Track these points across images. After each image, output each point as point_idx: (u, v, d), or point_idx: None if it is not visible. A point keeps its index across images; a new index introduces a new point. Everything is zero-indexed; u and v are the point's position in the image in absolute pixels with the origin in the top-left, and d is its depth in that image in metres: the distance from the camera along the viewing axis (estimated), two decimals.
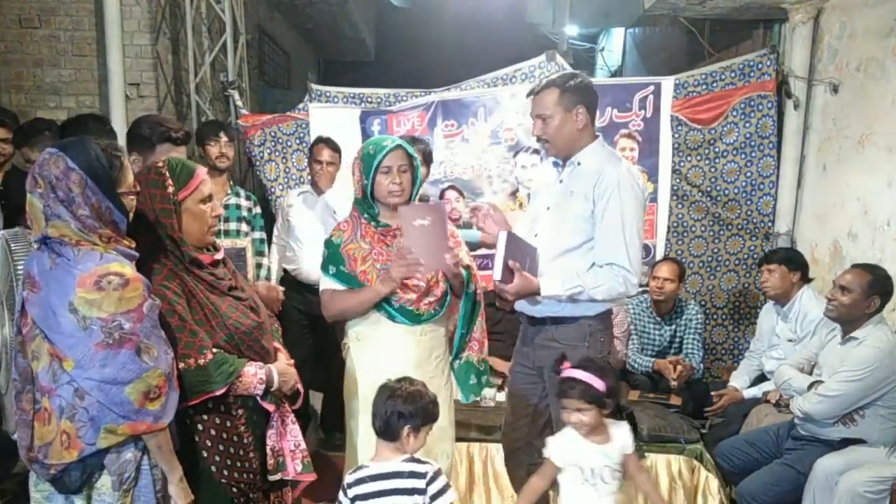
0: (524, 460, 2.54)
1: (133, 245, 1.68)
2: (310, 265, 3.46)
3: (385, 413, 1.89)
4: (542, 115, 2.28)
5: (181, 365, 1.71)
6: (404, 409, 1.88)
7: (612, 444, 2.12)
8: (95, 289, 1.53)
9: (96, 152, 1.62)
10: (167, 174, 1.81)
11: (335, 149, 3.68)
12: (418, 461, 1.91)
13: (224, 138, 3.50)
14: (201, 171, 1.88)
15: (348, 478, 1.92)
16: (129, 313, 1.56)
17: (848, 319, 2.68)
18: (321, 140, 3.71)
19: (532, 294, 2.25)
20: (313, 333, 3.66)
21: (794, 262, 3.32)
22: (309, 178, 3.86)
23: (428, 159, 3.27)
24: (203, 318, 1.80)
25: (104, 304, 1.53)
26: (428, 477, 1.87)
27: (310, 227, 3.62)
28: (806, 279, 3.32)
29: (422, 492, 1.86)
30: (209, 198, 1.88)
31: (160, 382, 1.59)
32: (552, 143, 2.31)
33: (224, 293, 1.88)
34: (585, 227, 2.26)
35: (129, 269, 1.59)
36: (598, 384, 2.06)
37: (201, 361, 1.74)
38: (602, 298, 2.25)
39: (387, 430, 1.90)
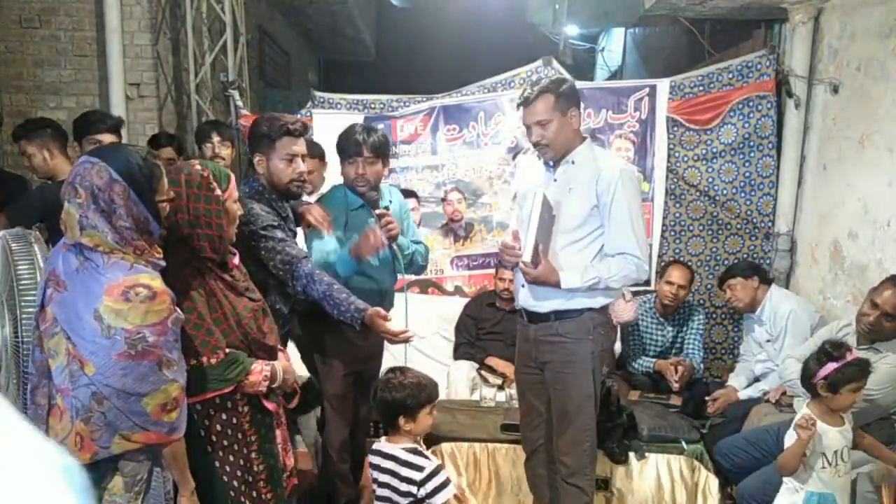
0: (544, 459, 2.56)
1: (161, 254, 1.69)
2: None
3: (378, 407, 1.99)
4: (541, 120, 2.33)
5: (193, 362, 1.73)
6: (392, 399, 1.93)
7: (847, 426, 2.28)
8: (123, 299, 1.52)
9: (138, 162, 1.61)
10: (211, 178, 1.86)
11: (312, 155, 3.48)
12: (421, 454, 1.95)
13: (216, 138, 3.49)
14: (232, 174, 1.96)
15: (374, 444, 2.06)
16: (154, 326, 1.55)
17: (885, 340, 2.62)
18: None
19: (551, 284, 2.30)
20: (305, 333, 3.62)
21: (748, 270, 3.42)
22: None
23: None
24: (221, 317, 1.85)
25: (130, 315, 1.53)
26: (425, 473, 1.94)
27: (298, 229, 3.55)
28: (766, 281, 3.40)
29: (416, 483, 1.93)
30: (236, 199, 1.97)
31: (178, 395, 1.60)
32: (551, 146, 2.36)
33: (240, 294, 1.93)
34: (588, 221, 2.34)
35: (157, 282, 1.59)
36: None
37: (213, 360, 1.78)
38: (618, 286, 2.37)
39: (385, 421, 2.01)
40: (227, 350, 1.82)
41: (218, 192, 1.85)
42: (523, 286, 2.43)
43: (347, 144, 2.59)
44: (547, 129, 2.32)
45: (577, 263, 2.34)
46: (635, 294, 3.87)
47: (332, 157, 3.63)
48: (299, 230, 2.61)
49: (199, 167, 1.87)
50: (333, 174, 3.53)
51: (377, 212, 2.57)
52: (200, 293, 1.81)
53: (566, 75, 3.70)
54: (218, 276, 1.88)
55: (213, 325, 1.81)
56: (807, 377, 2.30)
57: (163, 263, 1.67)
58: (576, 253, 2.35)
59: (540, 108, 2.31)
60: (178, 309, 1.64)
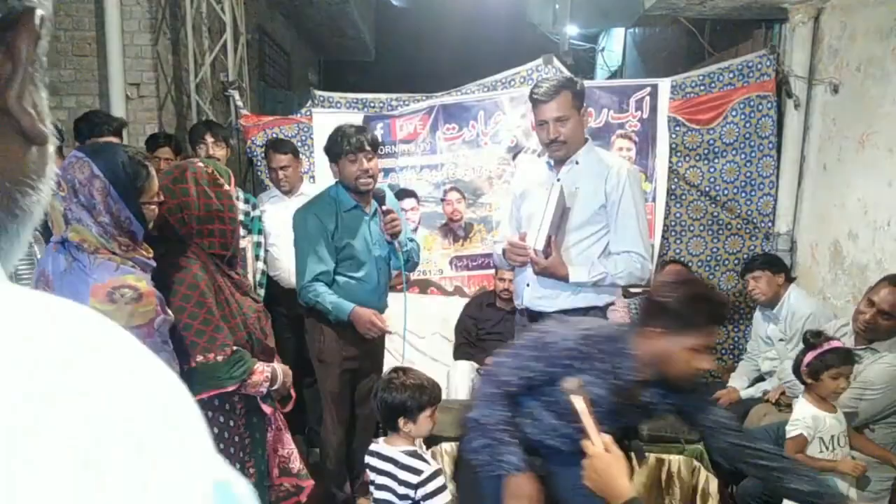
0: None
1: (150, 255, 1.67)
2: (289, 269, 3.35)
3: (379, 407, 1.96)
4: (560, 117, 2.33)
5: (200, 358, 1.73)
6: (392, 400, 1.92)
7: (839, 412, 2.33)
8: (108, 300, 1.51)
9: (123, 160, 1.60)
10: (216, 174, 1.86)
11: (284, 151, 3.62)
12: (420, 458, 1.94)
13: (210, 139, 3.47)
14: (231, 172, 1.96)
15: (371, 446, 2.04)
16: (140, 328, 1.54)
17: (882, 339, 2.60)
18: (269, 146, 3.68)
19: (559, 277, 2.31)
20: (295, 335, 3.63)
21: (777, 265, 3.40)
22: (311, 179, 3.86)
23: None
24: (228, 314, 1.85)
25: (115, 317, 1.50)
26: (423, 476, 1.91)
27: (283, 231, 3.43)
28: (789, 279, 3.38)
29: (413, 486, 1.90)
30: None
31: None
32: (569, 143, 2.37)
33: (246, 293, 1.94)
34: (594, 219, 2.36)
35: (143, 283, 1.58)
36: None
37: (220, 357, 1.77)
38: (623, 283, 2.40)
39: (385, 422, 1.98)
40: (234, 348, 1.82)
41: (227, 186, 1.87)
42: (528, 285, 2.43)
43: (345, 142, 2.58)
44: (566, 125, 2.34)
45: (582, 261, 2.36)
46: (634, 295, 3.87)
47: (323, 158, 3.67)
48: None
49: (201, 164, 1.87)
50: (327, 175, 3.55)
51: (384, 208, 2.59)
52: (210, 289, 1.81)
53: (566, 73, 3.69)
54: (225, 273, 1.89)
55: (221, 322, 1.80)
56: (796, 368, 2.37)
57: (153, 263, 1.66)
58: (581, 251, 2.36)
59: (560, 105, 2.33)
60: (167, 311, 1.63)
